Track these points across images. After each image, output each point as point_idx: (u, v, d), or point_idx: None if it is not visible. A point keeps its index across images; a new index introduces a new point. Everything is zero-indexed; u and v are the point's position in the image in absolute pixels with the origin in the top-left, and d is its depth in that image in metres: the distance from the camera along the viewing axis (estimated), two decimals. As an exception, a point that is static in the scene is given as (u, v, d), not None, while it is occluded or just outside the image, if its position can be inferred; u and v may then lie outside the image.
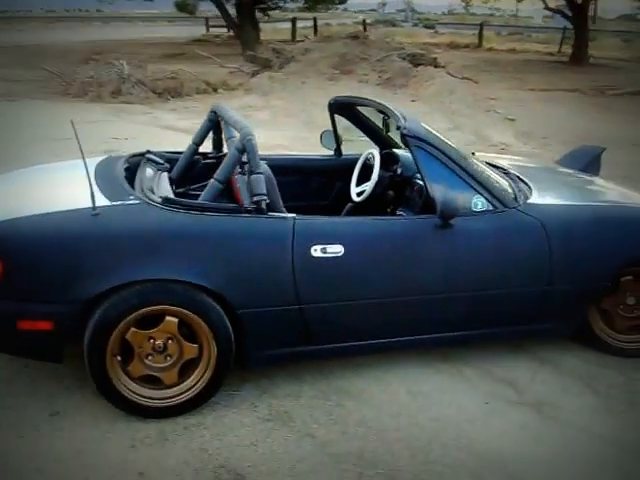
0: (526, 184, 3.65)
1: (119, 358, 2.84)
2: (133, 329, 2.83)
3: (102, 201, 2.96)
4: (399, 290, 3.11)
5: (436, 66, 13.94)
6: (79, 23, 41.72)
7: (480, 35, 26.03)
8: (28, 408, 2.97)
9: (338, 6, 31.64)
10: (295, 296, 2.95)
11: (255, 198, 3.00)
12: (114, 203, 2.97)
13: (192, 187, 3.79)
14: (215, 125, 3.84)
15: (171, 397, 2.94)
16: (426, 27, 31.73)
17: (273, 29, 29.17)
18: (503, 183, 3.48)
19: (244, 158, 3.07)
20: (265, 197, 3.00)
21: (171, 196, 3.12)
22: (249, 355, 3.04)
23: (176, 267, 2.82)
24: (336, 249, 2.98)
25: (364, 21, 25.92)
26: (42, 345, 2.86)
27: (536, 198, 3.45)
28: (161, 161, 3.77)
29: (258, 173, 3.02)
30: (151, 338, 2.88)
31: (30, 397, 3.05)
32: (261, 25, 26.41)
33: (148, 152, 3.86)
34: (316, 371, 3.32)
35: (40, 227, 2.84)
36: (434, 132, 3.40)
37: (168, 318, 2.85)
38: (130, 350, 2.87)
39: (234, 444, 2.80)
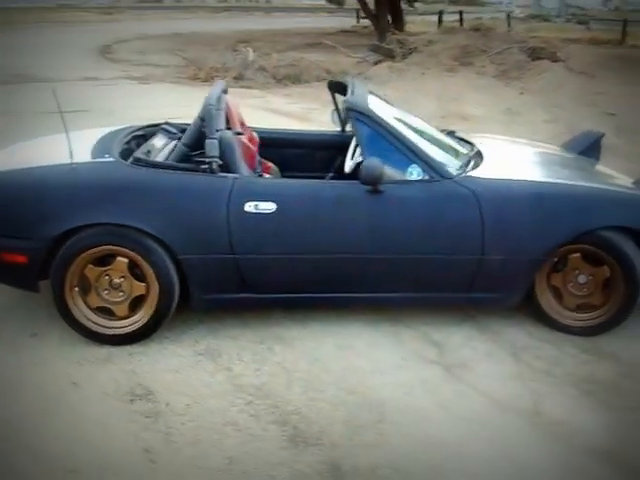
0: (482, 159, 3.77)
1: (77, 289, 3.38)
2: (90, 266, 3.36)
3: (87, 159, 3.53)
4: (328, 248, 3.40)
5: (555, 60, 13.55)
6: (243, 13, 43.95)
7: (623, 31, 24.62)
8: (16, 329, 3.58)
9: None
10: (229, 246, 3.34)
11: (208, 160, 3.43)
12: (92, 160, 3.52)
13: (193, 153, 4.26)
14: None
15: (121, 327, 3.43)
16: (579, 23, 30.28)
17: (423, 21, 29.23)
18: (446, 156, 3.65)
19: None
20: (216, 159, 3.43)
21: (142, 157, 3.61)
22: (192, 297, 3.47)
23: (125, 214, 3.30)
24: (268, 206, 3.33)
25: (508, 15, 25.24)
26: (20, 275, 3.46)
27: (481, 172, 3.58)
28: (174, 131, 4.29)
29: (212, 138, 3.46)
30: (107, 275, 3.38)
31: (22, 321, 3.65)
32: (412, 18, 26.46)
33: (166, 123, 4.38)
34: (264, 319, 3.68)
35: (25, 177, 3.47)
36: (385, 107, 3.63)
37: (119, 258, 3.35)
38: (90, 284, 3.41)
39: (161, 369, 3.25)
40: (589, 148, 4.49)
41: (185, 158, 3.75)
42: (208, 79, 13.43)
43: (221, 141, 3.54)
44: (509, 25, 22.27)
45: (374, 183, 3.31)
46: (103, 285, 3.40)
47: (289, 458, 2.66)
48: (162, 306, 3.39)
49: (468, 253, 3.43)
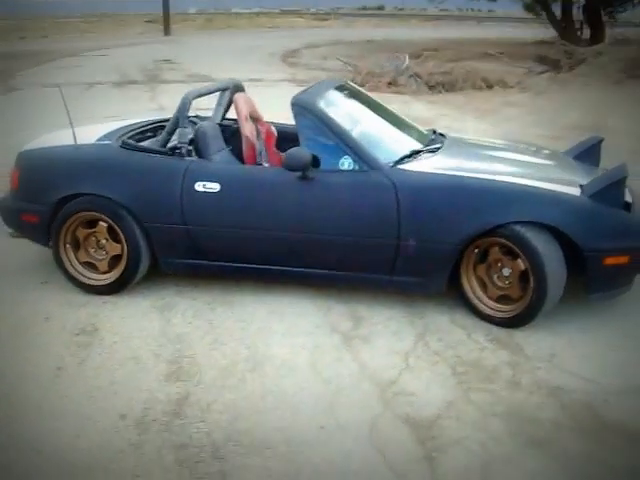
0: (433, 154, 4.04)
1: (68, 246, 4.18)
2: (80, 228, 4.15)
3: (92, 142, 4.35)
4: (262, 225, 3.88)
5: None
6: (454, 22, 44.08)
7: None
8: (32, 277, 4.46)
9: None
10: (182, 218, 3.95)
11: (178, 145, 4.08)
12: (94, 142, 4.32)
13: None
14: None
15: (99, 280, 4.19)
16: None
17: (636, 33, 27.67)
18: (386, 149, 3.97)
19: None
20: (185, 145, 4.07)
21: (129, 141, 4.33)
22: (159, 260, 4.13)
23: (103, 187, 4.05)
24: (214, 186, 3.90)
25: None
26: (34, 232, 4.34)
27: (415, 165, 3.85)
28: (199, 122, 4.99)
29: (183, 127, 4.11)
30: (95, 236, 4.16)
31: (40, 272, 4.51)
32: (624, 30, 25.23)
33: (195, 116, 5.10)
34: (227, 287, 4.24)
35: (43, 154, 4.36)
36: (344, 103, 4.08)
37: (100, 223, 4.10)
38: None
39: (117, 315, 3.94)
40: (587, 152, 4.53)
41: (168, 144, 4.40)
42: (363, 83, 14.10)
43: (197, 130, 4.17)
44: None
45: (295, 170, 3.74)
46: (91, 244, 4.18)
47: (156, 388, 3.21)
48: (130, 265, 4.09)
49: (385, 238, 3.72)
